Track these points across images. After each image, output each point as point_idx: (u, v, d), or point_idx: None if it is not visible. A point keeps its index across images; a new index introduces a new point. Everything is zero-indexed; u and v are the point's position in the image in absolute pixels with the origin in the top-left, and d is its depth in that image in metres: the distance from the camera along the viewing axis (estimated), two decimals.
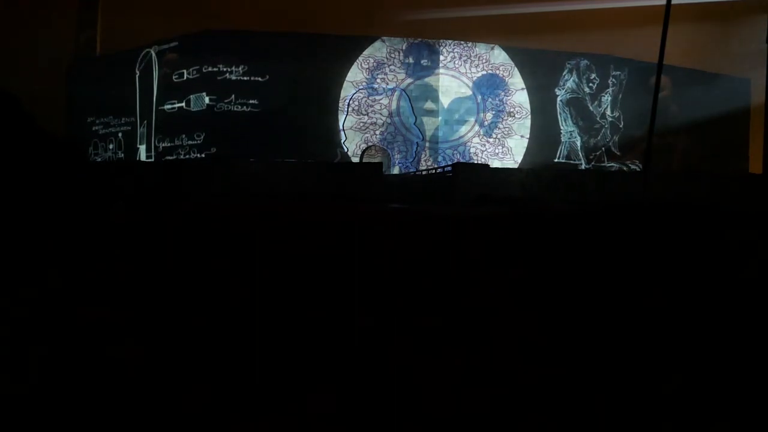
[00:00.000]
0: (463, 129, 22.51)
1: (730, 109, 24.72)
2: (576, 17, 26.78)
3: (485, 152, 22.56)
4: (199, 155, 20.87)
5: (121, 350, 2.10)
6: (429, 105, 22.16)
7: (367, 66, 22.01)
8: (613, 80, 23.91)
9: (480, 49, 22.74)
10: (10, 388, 1.75)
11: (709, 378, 2.00)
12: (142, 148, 23.14)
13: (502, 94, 22.87)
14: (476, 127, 22.62)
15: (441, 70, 22.29)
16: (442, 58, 22.34)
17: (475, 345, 2.30)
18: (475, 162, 21.16)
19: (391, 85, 22.08)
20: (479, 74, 22.67)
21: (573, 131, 23.49)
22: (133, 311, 2.55)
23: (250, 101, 21.10)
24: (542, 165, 21.44)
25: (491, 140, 22.76)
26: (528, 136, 23.04)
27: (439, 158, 21.92)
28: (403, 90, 22.14)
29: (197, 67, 21.36)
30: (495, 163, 21.50)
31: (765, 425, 1.70)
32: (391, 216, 7.50)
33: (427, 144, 22.15)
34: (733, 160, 24.74)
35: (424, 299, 2.91)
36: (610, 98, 23.90)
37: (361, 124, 21.94)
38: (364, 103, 21.97)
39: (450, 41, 22.53)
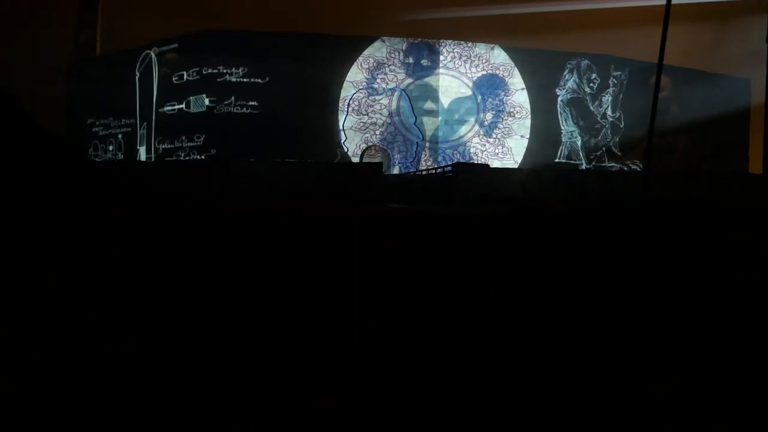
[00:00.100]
0: (463, 129, 22.52)
1: (730, 109, 24.76)
2: (576, 17, 26.83)
3: (485, 152, 22.58)
4: (199, 157, 20.87)
5: (121, 350, 2.10)
6: (429, 105, 22.17)
7: (367, 66, 22.02)
8: (614, 80, 23.93)
9: (480, 49, 22.75)
10: (10, 388, 1.75)
11: (709, 378, 2.00)
12: (142, 150, 23.16)
13: (502, 94, 22.89)
14: (476, 127, 22.63)
15: (441, 70, 22.31)
16: (442, 58, 22.35)
17: (475, 345, 2.30)
18: (475, 162, 21.17)
19: (391, 85, 22.09)
20: (479, 74, 22.68)
21: (574, 131, 23.51)
22: (133, 311, 2.56)
23: (250, 103, 21.12)
24: (542, 165, 21.46)
25: (491, 140, 22.77)
26: (528, 136, 23.06)
27: (439, 158, 21.93)
28: (403, 90, 22.14)
29: (197, 69, 21.38)
30: (495, 163, 21.52)
31: (765, 425, 1.70)
32: (391, 216, 7.50)
33: (427, 144, 22.16)
34: (733, 160, 24.77)
35: (424, 299, 2.91)
36: (610, 98, 23.92)
37: (361, 124, 21.95)
38: (364, 103, 21.98)
39: (450, 41, 22.55)
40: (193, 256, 3.73)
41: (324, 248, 4.08)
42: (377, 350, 2.17)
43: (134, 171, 14.95)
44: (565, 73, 23.49)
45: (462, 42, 22.64)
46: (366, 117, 21.98)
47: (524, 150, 22.95)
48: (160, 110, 22.52)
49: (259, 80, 21.08)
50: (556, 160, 23.18)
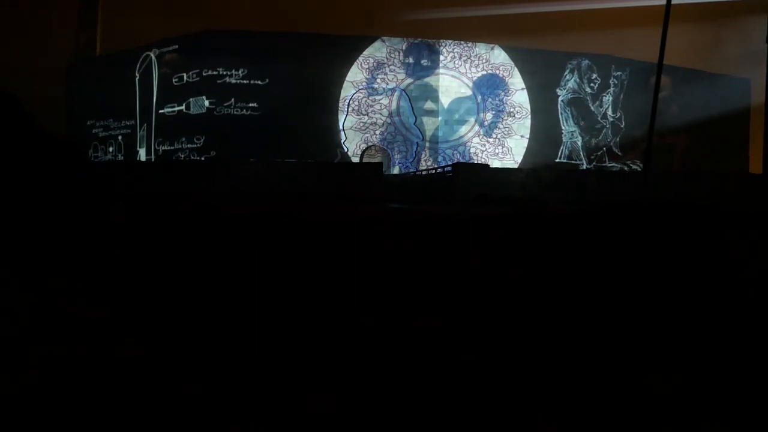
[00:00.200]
0: (463, 129, 22.52)
1: (730, 109, 24.75)
2: (576, 17, 26.84)
3: (485, 152, 22.57)
4: (198, 158, 20.87)
5: (121, 350, 2.10)
6: (429, 105, 22.16)
7: (367, 66, 22.01)
8: (614, 80, 23.93)
9: (480, 49, 22.75)
10: (10, 388, 1.75)
11: (709, 378, 2.00)
12: (142, 151, 23.16)
13: (502, 94, 22.89)
14: (476, 127, 22.63)
15: (441, 70, 22.30)
16: (442, 58, 22.34)
17: (475, 345, 2.30)
18: (475, 162, 21.16)
19: (391, 85, 22.09)
20: (479, 74, 22.68)
21: (574, 131, 23.52)
22: (133, 311, 2.56)
23: (250, 104, 21.11)
24: (543, 165, 21.46)
25: (491, 140, 22.77)
26: (528, 136, 23.06)
27: (439, 158, 21.93)
28: (403, 90, 22.14)
29: (197, 71, 21.38)
30: (495, 163, 21.51)
31: (765, 425, 1.70)
32: (391, 216, 7.50)
33: (427, 144, 22.15)
34: (733, 160, 24.76)
35: (424, 299, 2.91)
36: (611, 98, 23.93)
37: (361, 124, 21.94)
38: (364, 103, 21.97)
39: (450, 41, 22.54)
40: (193, 256, 3.73)
41: (324, 248, 4.08)
42: (377, 350, 2.17)
43: (134, 171, 14.95)
44: (566, 73, 23.50)
45: (462, 42, 22.63)
46: (366, 117, 21.97)
47: (524, 150, 22.95)
48: (160, 112, 22.52)
49: (259, 82, 21.07)
50: (557, 160, 23.18)
